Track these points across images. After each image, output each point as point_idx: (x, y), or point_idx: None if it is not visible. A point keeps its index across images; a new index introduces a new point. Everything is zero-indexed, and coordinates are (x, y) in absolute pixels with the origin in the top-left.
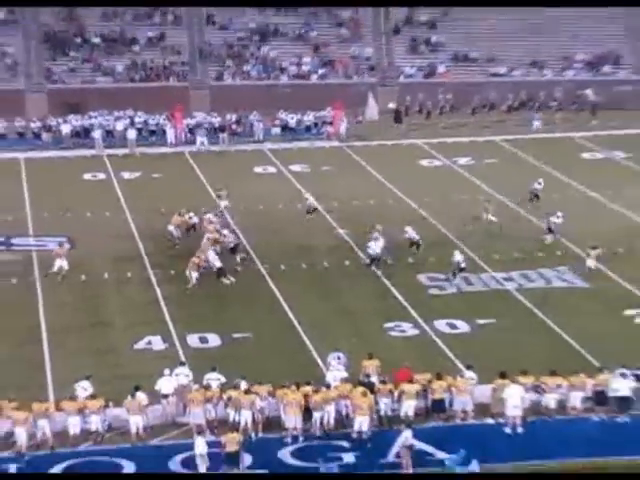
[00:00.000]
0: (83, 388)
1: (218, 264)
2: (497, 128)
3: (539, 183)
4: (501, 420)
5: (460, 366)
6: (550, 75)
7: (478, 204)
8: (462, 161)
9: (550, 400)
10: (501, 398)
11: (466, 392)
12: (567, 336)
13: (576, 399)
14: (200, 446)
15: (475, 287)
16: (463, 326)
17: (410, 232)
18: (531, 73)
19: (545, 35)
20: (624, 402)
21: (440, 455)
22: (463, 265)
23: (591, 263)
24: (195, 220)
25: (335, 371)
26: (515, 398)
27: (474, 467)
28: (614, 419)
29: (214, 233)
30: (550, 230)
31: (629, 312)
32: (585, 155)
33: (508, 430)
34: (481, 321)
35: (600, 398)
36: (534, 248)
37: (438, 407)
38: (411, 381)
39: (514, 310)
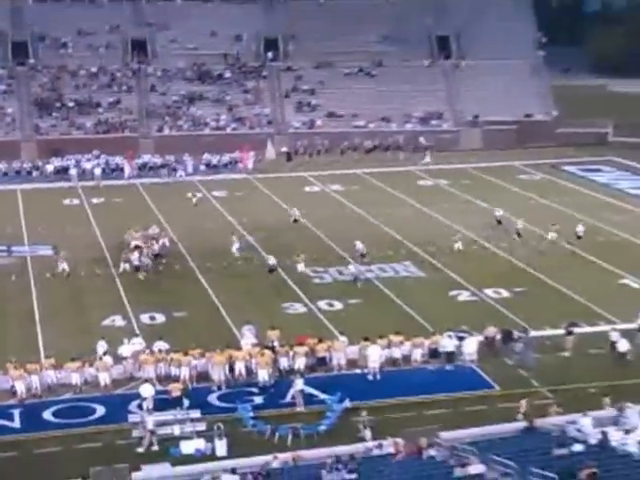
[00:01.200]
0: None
1: (136, 263)
2: (359, 164)
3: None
4: (365, 370)
5: (336, 333)
6: (395, 127)
7: (345, 217)
8: (334, 187)
9: (396, 353)
10: (365, 355)
11: (341, 351)
12: (410, 310)
13: (417, 354)
14: (147, 390)
15: (345, 277)
16: (338, 305)
17: (359, 245)
18: (382, 125)
19: (392, 99)
20: (450, 355)
21: (323, 396)
22: (364, 252)
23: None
24: (156, 231)
25: (247, 339)
26: (374, 354)
27: (346, 404)
28: (443, 368)
29: (139, 241)
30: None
31: (453, 293)
32: (420, 182)
33: (370, 377)
34: (351, 301)
35: (433, 353)
36: (387, 248)
37: (321, 362)
38: (302, 344)
39: (374, 292)
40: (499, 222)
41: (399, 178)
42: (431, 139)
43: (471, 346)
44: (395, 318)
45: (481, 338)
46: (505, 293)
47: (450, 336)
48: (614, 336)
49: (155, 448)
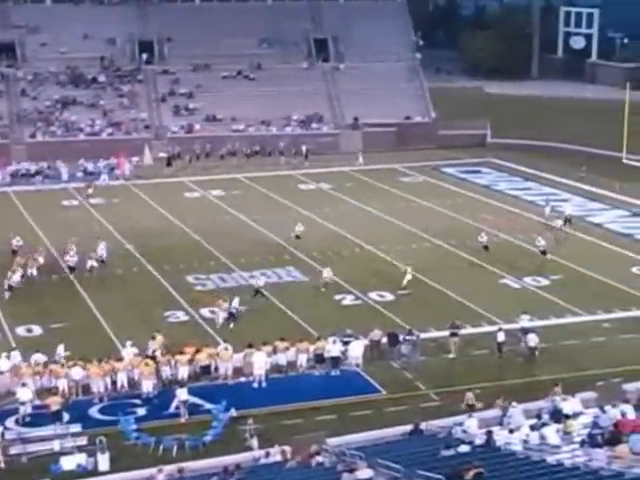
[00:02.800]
0: None
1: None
2: (239, 169)
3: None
4: (250, 378)
5: (219, 340)
6: (275, 130)
7: (226, 222)
8: (215, 192)
9: (282, 359)
10: (249, 362)
11: (227, 360)
12: (294, 315)
13: (302, 360)
14: (23, 395)
15: (229, 284)
16: (221, 313)
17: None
18: (262, 129)
19: (271, 102)
20: (336, 360)
21: (208, 406)
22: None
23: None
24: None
25: (129, 348)
26: (259, 361)
27: (232, 413)
28: (329, 373)
29: (24, 258)
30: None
31: (337, 297)
32: (301, 186)
33: (256, 385)
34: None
35: (319, 358)
36: (269, 253)
37: (205, 371)
38: (182, 352)
39: (257, 299)
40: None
41: (280, 182)
42: (311, 142)
43: (357, 350)
44: (279, 324)
45: (367, 342)
46: (389, 296)
47: (335, 341)
48: (500, 336)
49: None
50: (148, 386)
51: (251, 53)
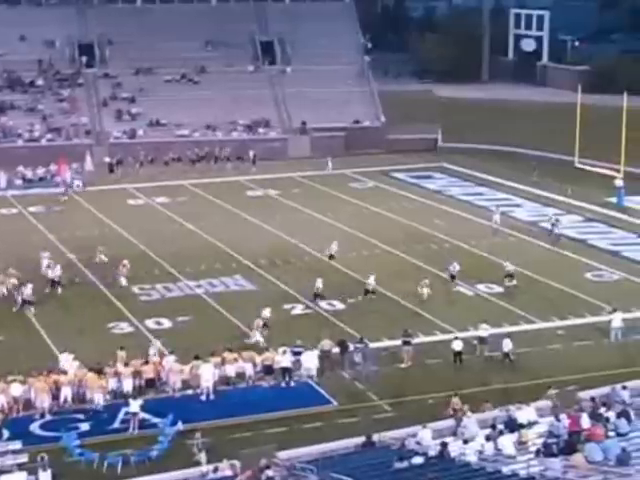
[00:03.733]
0: None
1: None
2: (185, 175)
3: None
4: (198, 390)
5: (165, 352)
6: (221, 135)
7: (172, 230)
8: (159, 200)
9: (230, 371)
10: (197, 374)
11: (175, 372)
12: (242, 325)
13: (251, 371)
14: None
15: (174, 293)
16: (167, 323)
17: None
18: (207, 134)
19: (216, 106)
20: (286, 371)
21: (154, 420)
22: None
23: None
24: None
25: (69, 360)
26: (207, 373)
27: (179, 427)
28: (279, 384)
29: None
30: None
31: (286, 306)
32: (249, 193)
33: (203, 397)
34: (180, 318)
35: (268, 369)
36: (215, 261)
37: (151, 384)
38: (127, 364)
39: (204, 308)
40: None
41: (227, 189)
42: (259, 147)
43: (310, 361)
44: (227, 334)
45: (317, 352)
46: (339, 305)
47: (285, 351)
48: (456, 345)
49: None
50: (99, 399)
51: (195, 56)
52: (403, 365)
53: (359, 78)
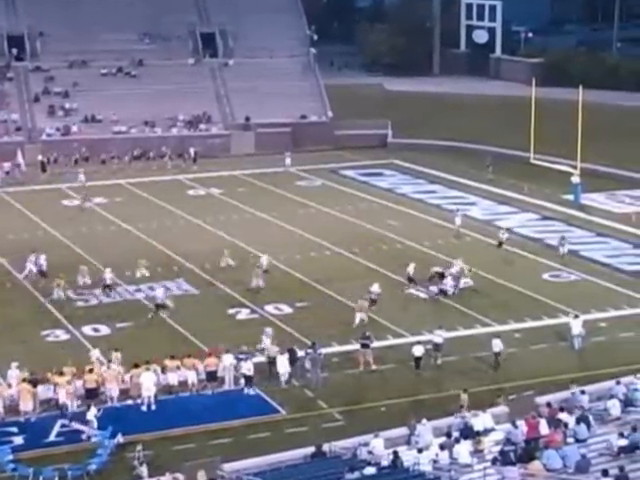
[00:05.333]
0: None
1: None
2: (122, 174)
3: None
4: (138, 400)
5: (103, 359)
6: (160, 132)
7: (109, 232)
8: (96, 200)
9: (173, 379)
10: (137, 383)
11: (113, 381)
12: (185, 331)
13: (194, 379)
14: None
15: (113, 298)
16: (105, 329)
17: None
18: (145, 130)
19: (155, 101)
20: (249, 380)
21: (92, 432)
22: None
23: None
24: None
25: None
26: (148, 382)
27: (119, 439)
28: (224, 392)
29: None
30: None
31: (231, 310)
32: (190, 192)
33: (144, 408)
34: (120, 324)
35: (212, 377)
36: (156, 265)
37: (91, 394)
38: (62, 373)
39: (144, 314)
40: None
41: (167, 188)
42: (200, 144)
43: (283, 366)
44: (169, 341)
45: (263, 358)
46: (287, 309)
47: (246, 359)
48: (417, 350)
49: None
50: (27, 407)
51: (132, 48)
52: (361, 369)
53: (305, 71)
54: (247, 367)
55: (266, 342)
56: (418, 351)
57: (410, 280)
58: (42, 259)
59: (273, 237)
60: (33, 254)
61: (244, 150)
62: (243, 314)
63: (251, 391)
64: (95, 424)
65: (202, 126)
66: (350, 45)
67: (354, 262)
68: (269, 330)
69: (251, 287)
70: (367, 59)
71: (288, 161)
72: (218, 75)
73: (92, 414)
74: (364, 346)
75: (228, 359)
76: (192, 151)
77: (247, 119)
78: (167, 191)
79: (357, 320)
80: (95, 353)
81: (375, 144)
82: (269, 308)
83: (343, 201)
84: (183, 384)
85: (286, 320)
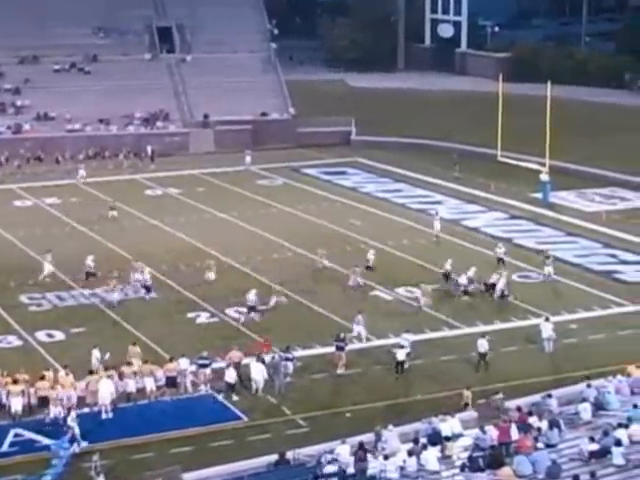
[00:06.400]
0: None
1: None
2: (73, 174)
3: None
4: (95, 408)
5: (58, 367)
6: (116, 130)
7: (65, 234)
8: (49, 201)
9: (131, 386)
10: (94, 390)
11: (68, 388)
12: (143, 335)
13: (153, 385)
14: None
15: (67, 302)
16: (59, 335)
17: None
18: (100, 128)
19: (110, 98)
20: (230, 387)
21: (46, 441)
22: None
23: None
24: None
25: None
26: (104, 389)
27: (75, 448)
28: (185, 399)
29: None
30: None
31: (191, 314)
32: (148, 192)
33: (103, 415)
34: (74, 330)
35: (172, 383)
36: (114, 267)
37: (43, 402)
38: (15, 381)
39: (100, 319)
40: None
41: (124, 188)
42: (157, 142)
43: (257, 373)
44: (126, 346)
45: (224, 364)
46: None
47: (229, 365)
48: (400, 354)
49: None
50: None
51: (86, 43)
52: (339, 371)
53: (265, 67)
54: (230, 375)
55: (358, 329)
56: (401, 355)
57: (446, 277)
58: (90, 259)
59: (233, 238)
60: (49, 253)
61: (203, 148)
62: (203, 318)
63: (234, 397)
64: (77, 429)
65: (159, 124)
66: (312, 40)
67: (317, 264)
68: (360, 317)
69: (348, 285)
70: (329, 54)
71: (249, 160)
72: (176, 71)
73: (72, 419)
74: (339, 348)
75: (184, 363)
76: (149, 150)
77: (206, 116)
78: (124, 191)
79: (422, 302)
80: (95, 353)
81: (338, 142)
82: (230, 312)
83: (305, 200)
84: (141, 391)
85: (248, 324)
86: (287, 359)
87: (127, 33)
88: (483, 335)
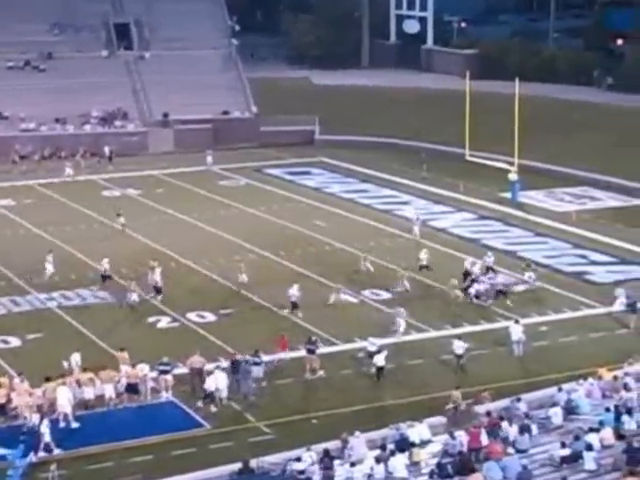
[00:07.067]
0: None
1: None
2: (32, 174)
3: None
4: (53, 416)
5: (13, 374)
6: (72, 129)
7: (18, 237)
8: (3, 202)
9: (89, 394)
10: (51, 398)
11: (23, 395)
12: (101, 341)
13: (112, 392)
14: None
15: (22, 307)
16: (14, 341)
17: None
18: (56, 128)
19: (66, 96)
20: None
21: (2, 451)
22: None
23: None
24: None
25: None
26: (62, 397)
27: (32, 458)
28: (145, 406)
29: None
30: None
31: (151, 319)
32: (105, 193)
33: (62, 424)
34: (30, 335)
35: (132, 389)
36: (70, 271)
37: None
38: None
39: (56, 324)
40: None
41: (81, 189)
42: (115, 142)
43: (221, 381)
44: (84, 352)
45: (185, 370)
46: (211, 316)
47: (209, 372)
48: (379, 359)
49: None
50: None
51: (40, 40)
52: (308, 376)
53: (226, 64)
54: (209, 383)
55: (401, 323)
56: (380, 360)
57: (466, 275)
58: (105, 262)
59: (195, 240)
60: (50, 254)
61: (162, 148)
62: (163, 322)
63: (212, 408)
64: (48, 436)
65: (117, 123)
66: (274, 36)
67: (280, 265)
68: (402, 310)
69: (396, 290)
70: (292, 51)
71: (210, 159)
72: (134, 68)
73: (45, 426)
74: (310, 352)
75: (143, 369)
76: (107, 150)
77: (165, 115)
78: (81, 192)
79: (454, 295)
80: (75, 357)
81: (302, 141)
82: (191, 316)
83: (268, 201)
84: (100, 398)
85: (210, 328)
86: (255, 363)
87: (83, 29)
88: (459, 337)
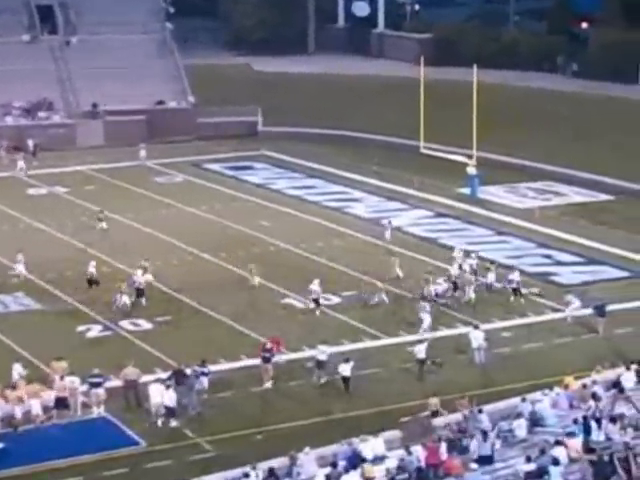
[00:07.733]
0: None
1: None
2: None
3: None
4: None
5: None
6: None
7: None
8: None
9: (16, 411)
10: None
11: None
12: (26, 352)
13: (38, 408)
14: None
15: None
16: None
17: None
18: None
19: None
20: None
21: None
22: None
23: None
24: None
25: None
26: None
27: None
28: (76, 423)
29: None
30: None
31: (81, 328)
32: (30, 191)
33: None
34: None
35: (61, 403)
36: None
37: None
38: None
39: None
40: None
41: (3, 186)
42: (40, 135)
43: (159, 396)
44: (6, 365)
45: (119, 382)
46: (146, 324)
47: (168, 386)
48: (344, 369)
49: None
50: None
51: None
52: (266, 385)
53: (160, 50)
54: (169, 396)
55: (426, 318)
56: (345, 370)
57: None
58: (92, 266)
59: (128, 241)
60: (20, 253)
61: (92, 142)
62: (95, 331)
63: (173, 423)
64: None
65: (42, 114)
66: (212, 20)
67: (221, 268)
68: (427, 305)
69: (373, 302)
70: (232, 36)
71: (143, 154)
72: (59, 55)
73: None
74: (265, 360)
75: (73, 382)
76: (31, 143)
77: (94, 106)
78: (2, 190)
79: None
80: (17, 368)
81: (243, 133)
82: (125, 324)
83: (208, 199)
84: (26, 415)
85: (145, 337)
86: (203, 374)
87: (2, 12)
88: (420, 340)
